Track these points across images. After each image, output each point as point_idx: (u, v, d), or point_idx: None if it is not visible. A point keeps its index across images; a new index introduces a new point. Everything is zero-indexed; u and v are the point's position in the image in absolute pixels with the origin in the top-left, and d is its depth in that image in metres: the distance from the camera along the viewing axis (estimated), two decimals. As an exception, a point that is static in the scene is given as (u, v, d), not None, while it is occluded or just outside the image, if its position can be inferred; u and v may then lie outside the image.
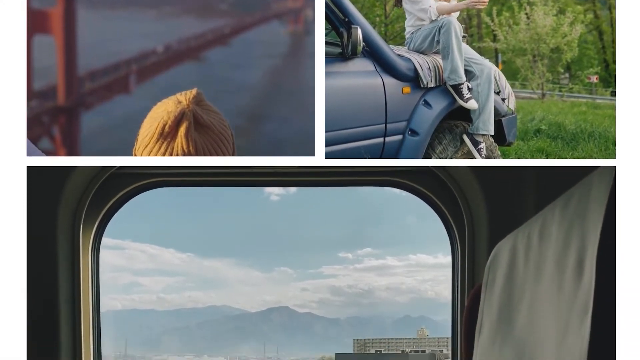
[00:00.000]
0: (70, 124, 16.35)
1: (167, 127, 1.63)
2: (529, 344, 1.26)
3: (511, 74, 11.49)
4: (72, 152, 15.60)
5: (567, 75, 13.77)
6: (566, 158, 3.76)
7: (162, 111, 1.68)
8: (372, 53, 3.11)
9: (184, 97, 1.70)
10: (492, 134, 3.30)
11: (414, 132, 2.88)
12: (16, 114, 1.88)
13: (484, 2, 3.41)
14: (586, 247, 1.05)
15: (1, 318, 1.50)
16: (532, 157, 3.80)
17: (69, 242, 2.50)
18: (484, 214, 2.45)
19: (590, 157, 3.68)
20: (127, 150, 1.80)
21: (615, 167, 1.03)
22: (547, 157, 3.79)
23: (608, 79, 13.55)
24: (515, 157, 3.44)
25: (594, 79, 13.26)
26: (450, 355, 2.68)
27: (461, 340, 1.86)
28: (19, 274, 1.58)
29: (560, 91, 13.07)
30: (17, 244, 1.62)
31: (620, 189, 1.03)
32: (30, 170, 2.05)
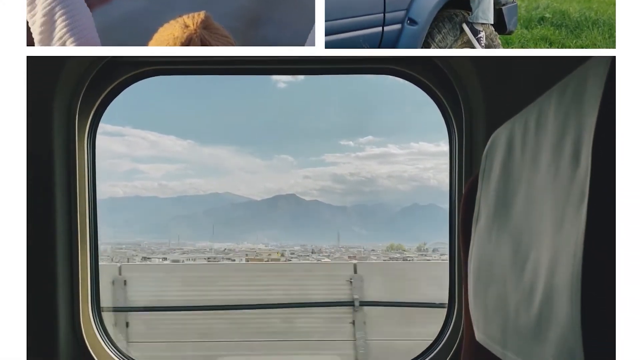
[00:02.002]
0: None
1: None
2: (525, 233, 1.27)
3: (514, -40, 11.01)
4: (70, 52, 15.24)
5: (571, -39, 13.22)
6: (570, 46, 3.69)
7: (168, 35, 1.63)
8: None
9: (192, 21, 1.63)
10: (492, 22, 3.24)
11: (412, 21, 2.83)
12: (17, 7, 1.88)
13: None
14: (582, 135, 1.05)
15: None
16: (536, 45, 3.74)
17: (65, 127, 2.51)
18: (481, 102, 2.45)
19: (594, 45, 3.62)
20: (125, 52, 1.78)
21: (615, 56, 1.02)
22: (550, 45, 3.74)
23: (613, -35, 13.01)
24: (518, 46, 3.39)
25: (599, -35, 12.74)
26: (448, 242, 2.73)
27: (458, 228, 1.89)
28: (19, 161, 1.61)
29: (565, -22, 12.57)
30: (17, 132, 1.64)
31: (620, 79, 1.02)
32: (30, 59, 2.06)
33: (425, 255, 8.16)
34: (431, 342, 2.72)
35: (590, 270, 1.02)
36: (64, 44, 2.19)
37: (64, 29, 2.00)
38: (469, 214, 1.64)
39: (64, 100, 2.51)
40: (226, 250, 8.55)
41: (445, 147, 2.67)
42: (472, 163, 2.51)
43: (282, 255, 8.36)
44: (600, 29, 4.50)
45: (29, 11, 2.04)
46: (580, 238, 1.02)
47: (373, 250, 8.44)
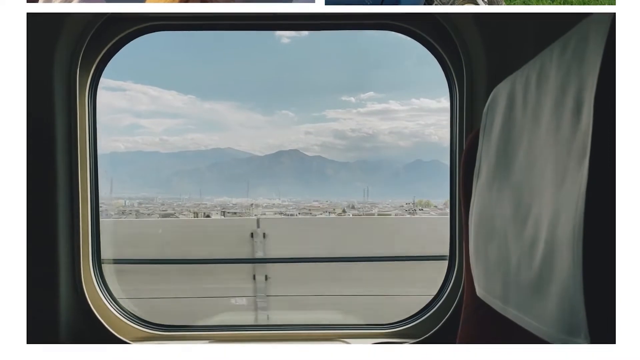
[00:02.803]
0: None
1: None
2: (526, 188, 1.27)
3: None
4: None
5: None
6: (572, 3, 3.64)
7: None
8: None
9: None
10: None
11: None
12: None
13: None
14: (584, 90, 1.05)
15: None
16: (538, 2, 3.68)
17: (66, 83, 2.50)
18: (482, 58, 2.43)
19: (596, 1, 3.58)
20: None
21: (615, 13, 1.02)
22: (552, 2, 3.69)
23: None
24: (520, 2, 3.34)
25: None
26: (449, 198, 2.73)
27: (459, 185, 1.89)
28: (19, 117, 1.61)
29: None
30: (18, 89, 1.64)
31: (620, 35, 1.02)
32: (30, 16, 2.05)
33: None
34: (430, 298, 2.74)
35: (592, 225, 1.03)
36: (65, 1, 2.18)
37: None
38: (469, 169, 1.64)
39: (65, 56, 2.50)
40: (253, 206, 8.52)
41: (446, 103, 2.66)
42: (472, 119, 2.50)
43: (344, 210, 8.29)
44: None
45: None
46: (582, 193, 1.02)
47: (402, 206, 8.39)
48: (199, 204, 8.66)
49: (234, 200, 8.90)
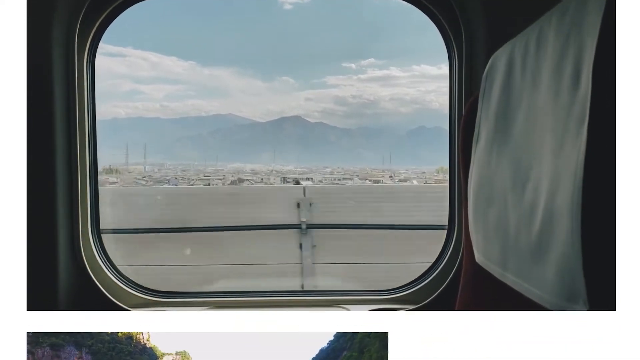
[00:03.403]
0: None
1: None
2: (525, 153, 1.27)
3: None
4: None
5: None
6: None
7: None
8: None
9: None
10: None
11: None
12: None
13: None
14: (583, 56, 1.05)
15: None
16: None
17: (65, 48, 2.49)
18: (481, 23, 2.41)
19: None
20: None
21: None
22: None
23: None
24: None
25: None
26: (448, 165, 2.72)
27: (458, 149, 1.88)
28: (18, 81, 1.59)
29: None
30: (17, 53, 1.62)
31: (619, 0, 1.01)
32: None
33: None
34: (430, 264, 2.75)
35: (591, 191, 1.02)
36: None
37: None
38: (468, 135, 1.63)
39: (64, 20, 2.47)
40: (273, 172, 8.50)
41: (447, 69, 2.64)
42: (472, 85, 2.49)
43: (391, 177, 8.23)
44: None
45: None
46: (581, 158, 1.02)
47: (424, 172, 8.35)
48: (218, 170, 8.62)
49: (249, 167, 8.87)
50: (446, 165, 2.70)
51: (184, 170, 8.53)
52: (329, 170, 8.77)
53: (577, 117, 1.05)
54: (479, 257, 1.53)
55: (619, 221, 1.04)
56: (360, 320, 1.31)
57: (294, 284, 5.73)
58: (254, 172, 8.58)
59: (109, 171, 7.61)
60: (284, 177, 8.39)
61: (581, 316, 1.07)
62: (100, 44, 2.67)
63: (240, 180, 8.08)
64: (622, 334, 1.14)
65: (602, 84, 1.02)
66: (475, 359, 1.24)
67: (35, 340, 1.42)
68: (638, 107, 1.07)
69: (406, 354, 1.27)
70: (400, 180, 8.19)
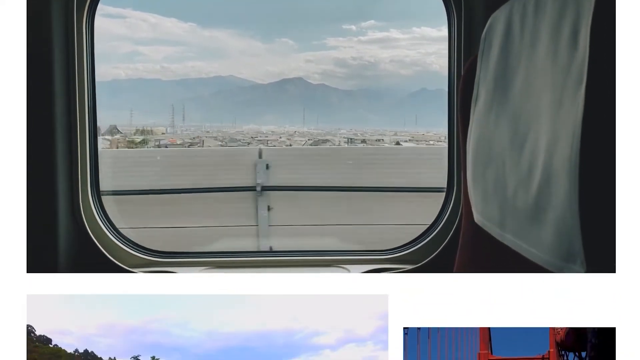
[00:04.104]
0: None
1: None
2: (524, 113, 1.27)
3: None
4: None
5: None
6: None
7: None
8: None
9: None
10: None
11: None
12: None
13: None
14: (581, 17, 1.05)
15: None
16: None
17: (64, 9, 2.47)
18: None
19: None
20: None
21: None
22: None
23: None
24: None
25: None
26: (447, 127, 2.70)
27: (457, 111, 1.88)
28: (18, 44, 1.58)
29: None
30: (16, 15, 1.61)
31: None
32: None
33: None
34: (428, 225, 2.75)
35: (589, 152, 1.02)
36: None
37: None
38: (467, 95, 1.63)
39: None
40: (291, 133, 8.42)
41: (447, 31, 2.62)
42: (470, 45, 2.47)
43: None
44: None
45: None
46: (579, 119, 1.02)
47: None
48: (238, 131, 8.51)
49: (264, 128, 8.80)
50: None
51: (206, 131, 8.46)
52: (343, 131, 8.66)
53: (575, 78, 1.05)
54: (477, 217, 1.53)
55: (619, 182, 1.04)
56: (360, 282, 1.31)
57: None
58: (276, 134, 8.49)
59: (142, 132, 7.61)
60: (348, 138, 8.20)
61: (580, 278, 1.07)
62: (100, 5, 2.64)
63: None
64: (622, 296, 1.14)
65: (600, 44, 1.02)
66: (474, 321, 1.25)
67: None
68: (638, 68, 1.06)
69: (405, 316, 1.27)
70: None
